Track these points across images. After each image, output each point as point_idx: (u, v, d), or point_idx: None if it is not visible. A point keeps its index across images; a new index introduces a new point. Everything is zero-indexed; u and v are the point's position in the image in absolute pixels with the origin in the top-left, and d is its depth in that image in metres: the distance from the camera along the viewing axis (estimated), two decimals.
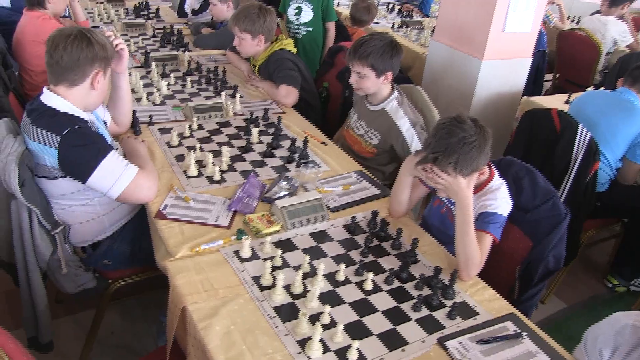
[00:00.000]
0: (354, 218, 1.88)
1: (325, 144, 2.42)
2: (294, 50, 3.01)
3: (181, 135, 2.31)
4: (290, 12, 3.86)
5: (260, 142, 2.36)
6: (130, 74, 2.87)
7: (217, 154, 2.18)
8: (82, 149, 1.74)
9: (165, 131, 2.34)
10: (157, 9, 4.23)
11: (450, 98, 3.52)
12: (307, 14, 3.87)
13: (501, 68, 3.43)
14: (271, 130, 2.46)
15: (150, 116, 2.39)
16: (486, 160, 1.75)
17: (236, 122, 2.52)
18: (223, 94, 2.68)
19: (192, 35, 3.74)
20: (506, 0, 3.21)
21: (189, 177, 2.02)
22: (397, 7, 5.47)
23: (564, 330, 2.74)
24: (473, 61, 3.38)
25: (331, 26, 3.95)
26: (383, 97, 2.45)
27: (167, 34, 3.61)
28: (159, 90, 2.73)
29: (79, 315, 2.44)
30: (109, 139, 1.97)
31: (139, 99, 2.62)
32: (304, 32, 3.89)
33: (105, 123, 2.10)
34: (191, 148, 2.18)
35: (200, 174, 2.05)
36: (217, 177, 2.03)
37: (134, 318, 2.47)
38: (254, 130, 2.34)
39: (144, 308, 2.52)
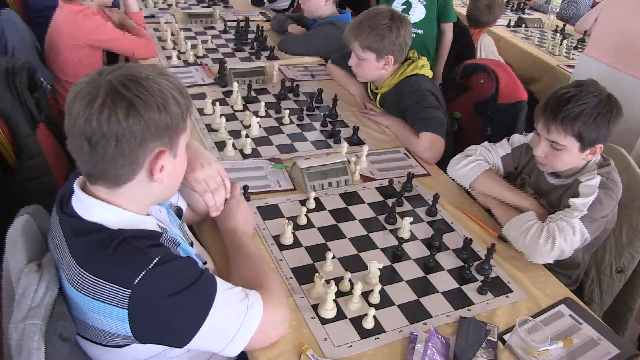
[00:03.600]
0: None
1: (504, 240, 1.59)
2: (430, 73, 2.16)
3: (295, 225, 1.49)
4: (396, 8, 2.97)
5: (413, 236, 1.53)
6: (205, 95, 2.08)
7: (355, 264, 1.38)
8: (172, 301, 0.95)
9: (269, 213, 1.53)
10: None
11: None
12: (418, 12, 2.98)
13: None
14: (420, 211, 1.64)
15: (246, 187, 1.56)
16: None
17: (368, 195, 1.68)
18: (344, 145, 1.84)
19: (272, 32, 2.88)
20: None
21: (324, 320, 1.22)
22: None
23: None
24: None
25: (448, 28, 3.05)
26: (578, 168, 1.62)
27: (243, 30, 2.76)
28: (247, 127, 1.91)
29: None
30: (192, 252, 1.17)
31: (221, 146, 1.80)
32: (413, 35, 2.99)
33: (180, 212, 1.30)
34: (318, 257, 1.38)
35: (340, 314, 1.24)
36: (369, 324, 1.22)
37: None
38: (406, 222, 1.51)
39: None
